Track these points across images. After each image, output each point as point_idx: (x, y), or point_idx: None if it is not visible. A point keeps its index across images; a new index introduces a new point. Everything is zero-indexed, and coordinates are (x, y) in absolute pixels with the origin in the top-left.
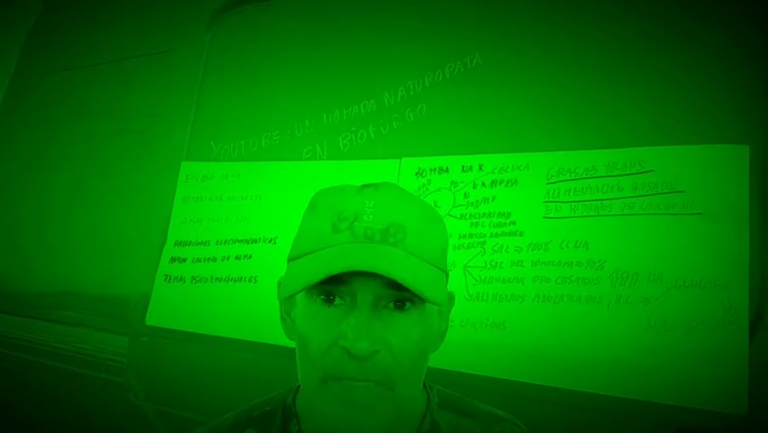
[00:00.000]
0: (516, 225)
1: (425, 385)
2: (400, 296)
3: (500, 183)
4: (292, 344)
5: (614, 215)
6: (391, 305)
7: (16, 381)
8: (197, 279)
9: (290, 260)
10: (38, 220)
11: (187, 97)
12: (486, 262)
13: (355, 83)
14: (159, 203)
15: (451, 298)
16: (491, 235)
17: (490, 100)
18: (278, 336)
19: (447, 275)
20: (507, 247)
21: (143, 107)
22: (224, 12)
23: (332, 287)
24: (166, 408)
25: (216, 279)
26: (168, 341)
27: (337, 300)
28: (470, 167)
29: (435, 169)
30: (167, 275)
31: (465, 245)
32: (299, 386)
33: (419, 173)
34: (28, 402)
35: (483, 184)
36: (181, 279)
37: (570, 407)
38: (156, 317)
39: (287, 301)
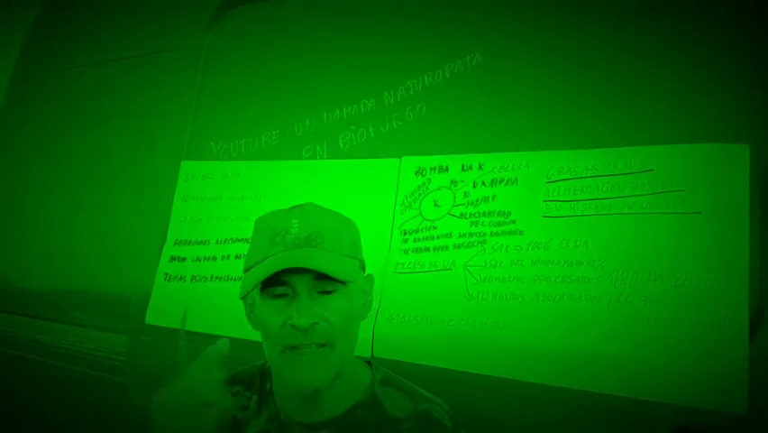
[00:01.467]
0: (516, 224)
1: (370, 365)
2: (326, 286)
3: (500, 182)
4: None
5: (614, 214)
6: (321, 292)
7: (16, 379)
8: (197, 278)
9: (244, 271)
10: (38, 219)
11: (187, 97)
12: (486, 262)
13: (355, 82)
14: (159, 202)
15: (370, 278)
16: (491, 234)
17: (490, 99)
18: None
19: (361, 262)
20: (507, 246)
21: (143, 107)
22: (223, 12)
23: (276, 288)
24: None
25: (216, 278)
26: (168, 340)
27: (281, 296)
28: (471, 166)
29: (435, 168)
30: (167, 274)
31: (465, 244)
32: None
33: (419, 172)
34: (28, 401)
35: (483, 183)
36: (181, 278)
37: (570, 405)
38: (156, 316)
39: (249, 304)
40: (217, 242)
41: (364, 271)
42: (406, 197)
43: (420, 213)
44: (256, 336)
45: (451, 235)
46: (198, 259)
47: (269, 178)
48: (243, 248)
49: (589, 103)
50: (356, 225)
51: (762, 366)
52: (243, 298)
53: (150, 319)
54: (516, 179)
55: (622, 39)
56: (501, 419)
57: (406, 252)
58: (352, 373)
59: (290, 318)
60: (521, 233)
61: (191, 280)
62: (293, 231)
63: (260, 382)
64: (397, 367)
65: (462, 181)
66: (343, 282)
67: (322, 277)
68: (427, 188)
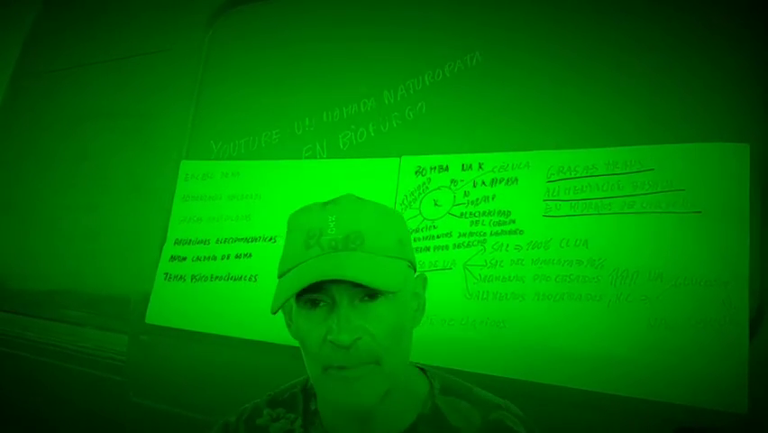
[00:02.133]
0: (517, 223)
1: (426, 372)
2: (369, 290)
3: (500, 182)
4: (291, 342)
5: (614, 213)
6: (366, 298)
7: (17, 379)
8: (197, 277)
9: (279, 277)
10: (38, 219)
11: (187, 96)
12: (486, 261)
13: (355, 81)
14: (159, 202)
15: (423, 278)
16: (491, 234)
17: (490, 99)
18: (278, 335)
19: (411, 261)
20: (508, 246)
21: (143, 106)
22: (223, 11)
23: (313, 295)
24: (165, 406)
25: (216, 277)
26: (167, 339)
27: (321, 303)
28: (471, 165)
29: (435, 167)
30: (167, 274)
31: (465, 244)
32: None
33: (419, 172)
34: (28, 400)
35: (483, 182)
36: (181, 277)
37: (570, 405)
38: (156, 315)
39: (287, 310)
40: (217, 241)
41: (415, 270)
42: (406, 196)
43: (420, 212)
44: (258, 335)
45: (451, 235)
46: (198, 258)
47: (269, 177)
48: (244, 247)
49: (589, 102)
50: (402, 218)
51: (762, 366)
52: (276, 312)
53: (150, 319)
54: (517, 179)
55: (622, 39)
56: None
57: None
58: (407, 385)
59: (330, 333)
60: (521, 232)
61: (191, 279)
62: (329, 231)
63: (304, 403)
64: None
65: (462, 181)
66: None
67: (362, 284)
68: (427, 187)
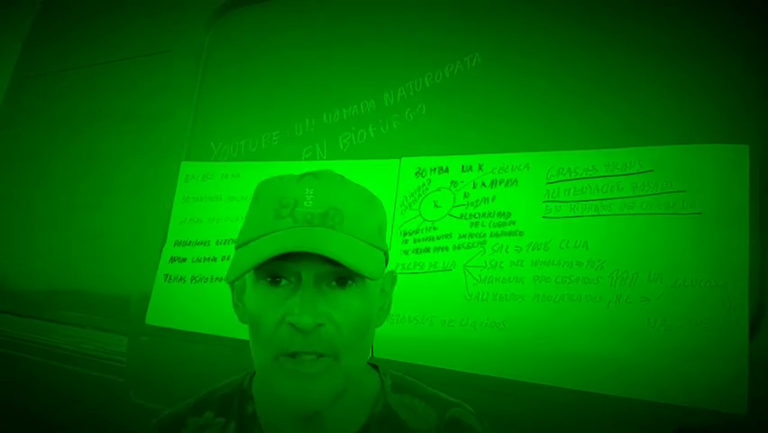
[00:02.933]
0: (516, 224)
1: (378, 370)
2: (340, 273)
3: (500, 183)
4: None
5: (614, 214)
6: (333, 283)
7: (17, 380)
8: (197, 278)
9: (237, 247)
10: (38, 220)
11: (187, 97)
12: (486, 262)
13: (355, 83)
14: (159, 203)
15: (392, 276)
16: (491, 235)
17: (490, 100)
18: None
19: (386, 254)
20: (507, 247)
21: (143, 107)
22: (223, 12)
23: (277, 268)
24: (165, 407)
25: (216, 278)
26: (168, 340)
27: (283, 282)
28: (470, 167)
29: (435, 168)
30: (167, 275)
31: (465, 245)
32: (254, 372)
33: (419, 173)
34: (28, 401)
35: (483, 184)
36: (181, 278)
37: (569, 406)
38: (156, 316)
39: (238, 288)
40: (217, 242)
41: (386, 265)
42: (406, 197)
43: (420, 214)
44: None
45: (451, 236)
46: (198, 260)
47: None
48: None
49: (588, 103)
50: (383, 207)
51: (761, 367)
52: (233, 282)
53: (150, 320)
54: (516, 180)
55: (622, 39)
56: (501, 419)
57: (406, 252)
58: (359, 383)
59: (289, 314)
60: (521, 233)
61: (191, 280)
62: (306, 204)
63: (239, 406)
64: (397, 368)
65: (462, 182)
66: (362, 277)
67: (336, 264)
68: (427, 188)
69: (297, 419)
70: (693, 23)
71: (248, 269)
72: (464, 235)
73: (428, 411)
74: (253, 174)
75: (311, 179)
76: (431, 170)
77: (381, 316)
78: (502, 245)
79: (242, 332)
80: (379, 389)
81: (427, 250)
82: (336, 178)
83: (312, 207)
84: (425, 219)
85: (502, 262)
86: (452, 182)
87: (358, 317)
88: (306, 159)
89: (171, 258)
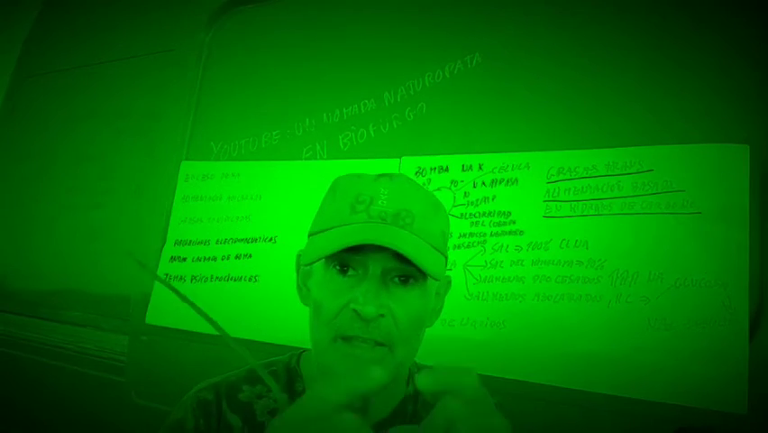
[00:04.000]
0: (517, 224)
1: None
2: (405, 271)
3: (500, 182)
4: (291, 342)
5: (614, 214)
6: (397, 279)
7: (17, 379)
8: (198, 278)
9: (311, 235)
10: (38, 220)
11: (187, 97)
12: (486, 262)
13: (355, 82)
14: (159, 202)
15: (448, 281)
16: (491, 235)
17: (490, 99)
18: (279, 336)
19: (446, 259)
20: (508, 246)
21: (144, 107)
22: (223, 12)
23: (347, 258)
24: (166, 407)
25: (216, 278)
26: (168, 340)
27: (350, 271)
28: (471, 166)
29: (435, 168)
30: (167, 274)
31: (465, 244)
32: (302, 352)
33: (419, 172)
34: (28, 401)
35: (483, 183)
36: (181, 278)
37: (570, 406)
38: (156, 316)
39: (303, 272)
40: (218, 242)
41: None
42: None
43: None
44: (258, 336)
45: (451, 236)
46: (199, 259)
47: (270, 178)
48: (244, 248)
49: (589, 103)
50: (447, 213)
51: (762, 367)
52: (308, 264)
53: (150, 319)
54: (517, 180)
55: (622, 39)
56: None
57: None
58: None
59: (354, 302)
60: (521, 233)
61: (191, 280)
62: (380, 202)
63: (288, 383)
64: None
65: (462, 181)
66: (425, 276)
67: (402, 261)
68: (427, 188)
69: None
70: (693, 23)
71: (324, 255)
72: (464, 235)
73: None
74: (253, 174)
75: (386, 180)
76: (431, 169)
77: (433, 317)
78: (502, 245)
79: (241, 332)
80: (408, 374)
81: None
82: (410, 181)
83: (386, 206)
84: None
85: (502, 262)
86: (452, 182)
87: (415, 314)
88: (306, 158)
89: (171, 258)
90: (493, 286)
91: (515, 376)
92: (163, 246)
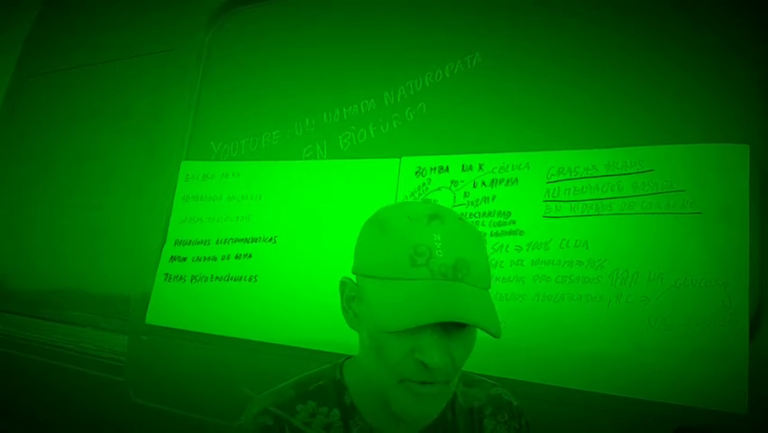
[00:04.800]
0: (517, 224)
1: None
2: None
3: (500, 182)
4: (291, 342)
5: (614, 214)
6: (457, 325)
7: (16, 379)
8: (197, 278)
9: (366, 276)
10: (38, 219)
11: (188, 97)
12: None
13: (355, 82)
14: (159, 202)
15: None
16: (491, 234)
17: (490, 99)
18: (278, 335)
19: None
20: (508, 246)
21: (144, 107)
22: (223, 12)
23: None
24: (165, 406)
25: (216, 278)
26: (167, 340)
27: None
28: (471, 166)
29: (435, 168)
30: (167, 274)
31: None
32: (344, 361)
33: (419, 172)
34: (28, 400)
35: (483, 183)
36: (181, 278)
37: (570, 405)
38: (156, 316)
39: (348, 295)
40: (217, 242)
41: None
42: (407, 197)
43: None
44: (258, 335)
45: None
46: (198, 259)
47: (270, 178)
48: (244, 248)
49: (589, 103)
50: (485, 241)
51: (762, 367)
52: (394, 331)
53: (150, 319)
54: (517, 179)
55: (622, 39)
56: None
57: None
58: None
59: (421, 353)
60: (521, 233)
61: (191, 280)
62: (438, 254)
63: (337, 396)
64: None
65: (462, 181)
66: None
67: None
68: (427, 188)
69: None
70: (694, 23)
71: (404, 327)
72: None
73: (477, 391)
74: (253, 173)
75: (438, 224)
76: (431, 169)
77: None
78: (502, 245)
79: (241, 332)
80: None
81: None
82: (458, 222)
83: (444, 258)
84: None
85: (502, 262)
86: (452, 182)
87: (469, 352)
88: (306, 158)
89: (171, 257)
90: (493, 286)
91: (515, 376)
92: (163, 246)
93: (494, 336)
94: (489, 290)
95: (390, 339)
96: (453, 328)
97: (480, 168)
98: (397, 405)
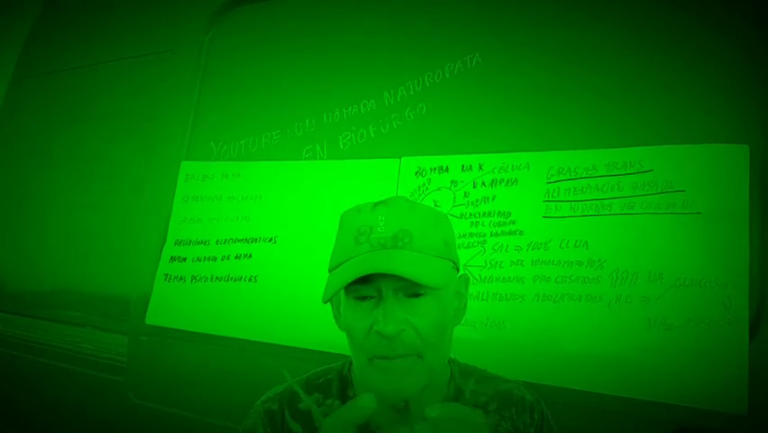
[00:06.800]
0: (517, 224)
1: (448, 359)
2: (413, 287)
3: (500, 182)
4: (291, 342)
5: (614, 214)
6: (411, 295)
7: (17, 379)
8: (197, 278)
9: (330, 271)
10: (38, 220)
11: (188, 97)
12: (486, 262)
13: (355, 83)
14: (159, 203)
15: (465, 279)
16: (491, 235)
17: (490, 100)
18: (278, 336)
19: (455, 262)
20: (507, 246)
21: (143, 107)
22: (223, 12)
23: (361, 288)
24: (165, 407)
25: (216, 278)
26: (167, 340)
27: (368, 298)
28: (470, 166)
29: (435, 168)
30: (167, 274)
31: (465, 245)
32: (352, 360)
33: (419, 172)
34: (28, 401)
35: (483, 183)
36: (181, 278)
37: (570, 406)
38: (156, 316)
39: (335, 303)
40: (217, 242)
41: (458, 271)
42: (407, 197)
43: None
44: (258, 336)
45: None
46: (198, 259)
47: (270, 178)
48: (244, 248)
49: (588, 103)
50: (449, 221)
51: (762, 366)
52: (327, 302)
53: (150, 320)
54: (516, 180)
55: (622, 39)
56: None
57: None
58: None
59: (375, 324)
60: (521, 233)
61: (191, 280)
62: (379, 229)
63: (341, 389)
64: None
65: (462, 182)
66: (427, 287)
67: (407, 279)
68: (427, 188)
69: (392, 406)
70: (694, 23)
71: (336, 291)
72: (464, 235)
73: (486, 387)
74: (253, 174)
75: (383, 207)
76: (431, 169)
77: (459, 315)
78: (502, 245)
79: (241, 332)
80: (449, 375)
81: None
82: (405, 203)
83: (384, 231)
84: None
85: (502, 262)
86: (452, 182)
87: (434, 321)
88: (306, 158)
89: (171, 258)
90: (493, 286)
91: (515, 376)
92: (163, 246)
93: (432, 287)
94: (450, 262)
95: (354, 321)
96: (405, 298)
97: (480, 168)
98: (371, 385)
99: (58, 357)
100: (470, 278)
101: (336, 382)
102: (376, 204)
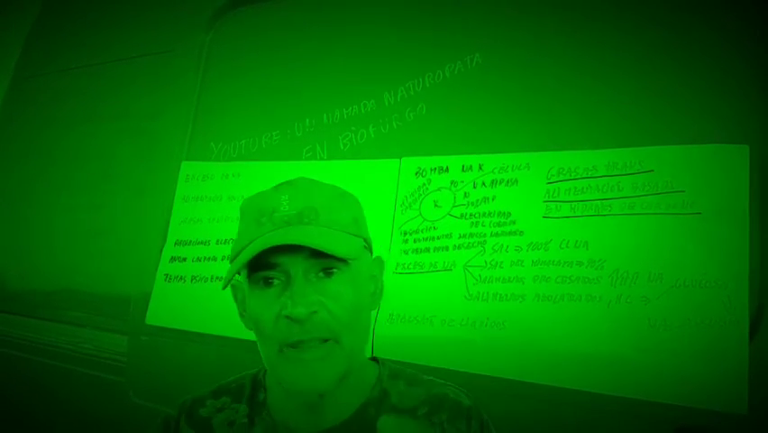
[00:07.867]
0: (517, 224)
1: (377, 360)
2: (324, 263)
3: (500, 183)
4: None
5: (614, 214)
6: (321, 273)
7: (17, 379)
8: (198, 278)
9: (230, 261)
10: (38, 220)
11: (188, 97)
12: (486, 262)
13: (355, 83)
14: (159, 203)
15: (380, 261)
16: (491, 235)
17: (490, 100)
18: None
19: (366, 241)
20: (508, 247)
21: (144, 107)
22: (223, 12)
23: (266, 272)
24: (165, 407)
25: (217, 278)
26: (168, 340)
27: (274, 282)
28: (471, 166)
29: (435, 168)
30: (167, 275)
31: (465, 245)
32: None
33: (419, 173)
34: (28, 401)
35: (483, 184)
36: (181, 278)
37: (570, 406)
38: (156, 316)
39: (240, 301)
40: (218, 242)
41: (371, 253)
42: (407, 197)
43: (420, 213)
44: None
45: (451, 236)
46: (199, 259)
47: (270, 178)
48: None
49: (589, 103)
50: (358, 201)
51: (762, 366)
52: (226, 287)
53: (150, 320)
54: (517, 180)
55: (622, 39)
56: (501, 420)
57: (406, 252)
58: (359, 371)
59: (284, 308)
60: (521, 233)
61: (191, 280)
62: (282, 209)
63: (251, 393)
64: None
65: (462, 182)
66: (344, 261)
67: (318, 255)
68: (427, 188)
69: (304, 403)
70: (693, 23)
71: (234, 272)
72: (464, 235)
73: (418, 391)
74: (254, 174)
75: (286, 186)
76: (431, 169)
77: (374, 299)
78: (502, 245)
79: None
80: (377, 377)
81: (427, 250)
82: (311, 181)
83: (288, 210)
84: (425, 219)
85: (502, 262)
86: (452, 182)
87: (348, 301)
88: (306, 159)
89: (171, 258)
90: (493, 286)
91: (515, 376)
92: (163, 246)
93: (344, 259)
94: (362, 240)
95: (260, 309)
96: (316, 278)
97: (480, 168)
98: (283, 379)
99: (58, 357)
100: (471, 277)
101: (248, 386)
102: (279, 185)
